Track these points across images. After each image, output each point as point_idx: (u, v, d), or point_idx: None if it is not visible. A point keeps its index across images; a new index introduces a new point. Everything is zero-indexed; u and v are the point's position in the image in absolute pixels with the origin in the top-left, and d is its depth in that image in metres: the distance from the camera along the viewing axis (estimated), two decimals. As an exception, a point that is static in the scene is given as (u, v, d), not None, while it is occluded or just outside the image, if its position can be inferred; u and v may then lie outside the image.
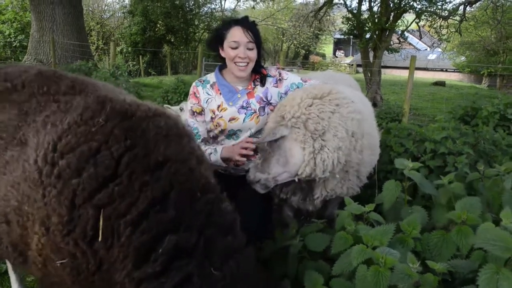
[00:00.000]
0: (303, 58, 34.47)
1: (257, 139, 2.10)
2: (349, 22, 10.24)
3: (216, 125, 2.34)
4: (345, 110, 2.05)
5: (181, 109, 3.72)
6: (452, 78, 26.20)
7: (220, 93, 2.35)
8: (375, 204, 1.91)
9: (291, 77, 2.42)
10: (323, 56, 39.40)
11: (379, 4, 9.67)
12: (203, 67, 10.65)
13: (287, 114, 2.02)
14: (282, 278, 2.11)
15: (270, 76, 2.39)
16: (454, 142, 3.06)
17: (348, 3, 10.30)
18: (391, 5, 9.41)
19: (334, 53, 40.72)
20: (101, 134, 1.28)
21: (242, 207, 2.26)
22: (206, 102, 2.35)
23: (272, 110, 2.30)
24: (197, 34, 21.07)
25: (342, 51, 40.41)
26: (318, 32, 30.28)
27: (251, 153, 2.14)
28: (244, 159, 2.17)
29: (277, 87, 2.38)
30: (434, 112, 9.02)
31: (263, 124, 2.29)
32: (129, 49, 19.55)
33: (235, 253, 1.29)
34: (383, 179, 3.06)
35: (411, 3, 9.31)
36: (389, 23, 9.38)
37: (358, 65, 23.47)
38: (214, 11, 22.37)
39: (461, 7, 10.28)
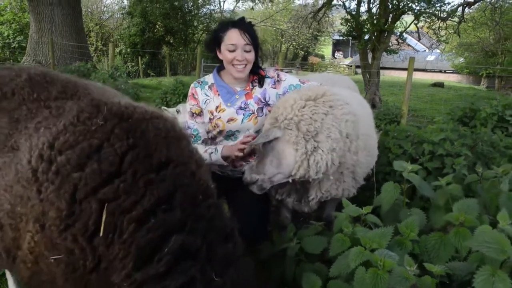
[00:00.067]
0: (302, 59, 34.53)
1: (252, 141, 2.10)
2: (348, 24, 10.25)
3: (215, 126, 2.34)
4: (339, 111, 2.05)
5: (178, 111, 3.70)
6: (450, 79, 26.23)
7: (219, 94, 2.35)
8: (372, 206, 1.91)
9: (289, 79, 2.42)
10: (322, 57, 39.43)
11: (377, 6, 9.69)
12: (202, 68, 10.66)
13: (280, 116, 2.04)
14: (280, 280, 2.11)
15: (268, 77, 2.40)
16: (452, 144, 3.06)
17: (346, 4, 10.32)
18: (390, 7, 9.42)
19: (333, 54, 40.77)
20: (101, 133, 1.28)
21: (240, 209, 2.28)
22: (205, 103, 2.36)
23: (270, 111, 2.31)
24: (196, 35, 21.07)
25: (341, 52, 40.47)
26: (317, 34, 30.29)
27: (249, 139, 2.14)
28: (242, 154, 2.17)
29: (275, 88, 2.38)
30: (432, 113, 9.03)
31: (261, 125, 2.29)
32: (128, 50, 19.53)
33: (236, 261, 1.27)
34: (381, 180, 3.06)
35: (410, 5, 9.32)
36: (387, 24, 9.40)
37: (357, 66, 23.49)
38: (213, 12, 22.37)
39: (460, 9, 10.30)
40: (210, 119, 2.35)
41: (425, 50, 28.08)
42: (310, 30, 23.04)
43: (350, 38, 10.91)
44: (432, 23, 10.45)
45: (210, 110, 2.34)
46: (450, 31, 11.02)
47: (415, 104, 10.82)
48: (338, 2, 10.70)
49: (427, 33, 12.30)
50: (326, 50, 41.45)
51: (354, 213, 1.89)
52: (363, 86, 9.92)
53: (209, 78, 2.42)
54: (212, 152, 2.26)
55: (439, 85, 19.20)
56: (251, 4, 21.17)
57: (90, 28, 23.37)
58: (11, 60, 16.24)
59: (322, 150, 1.98)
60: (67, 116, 1.36)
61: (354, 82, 3.81)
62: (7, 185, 1.34)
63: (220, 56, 2.30)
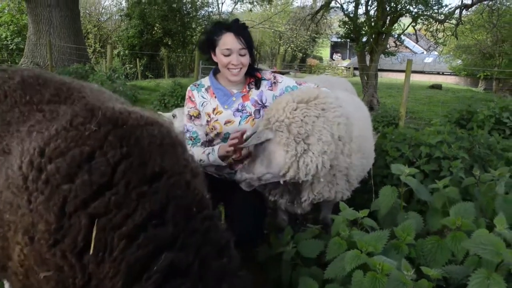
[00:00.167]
0: (300, 61, 34.58)
1: (245, 143, 2.10)
2: (346, 26, 10.27)
3: (212, 128, 2.34)
4: (331, 114, 2.06)
5: (174, 116, 3.68)
6: (448, 81, 26.31)
7: (215, 97, 2.35)
8: (369, 210, 1.91)
9: (286, 80, 2.42)
10: (320, 59, 39.52)
11: (375, 8, 9.71)
12: (200, 70, 10.66)
13: (272, 118, 2.05)
14: (277, 283, 2.11)
15: (264, 79, 2.40)
16: (449, 147, 3.06)
17: (344, 6, 10.35)
18: (388, 9, 9.45)
19: (331, 56, 40.86)
20: (94, 140, 1.22)
21: (237, 212, 2.28)
22: (202, 106, 2.36)
23: None
24: (194, 37, 21.06)
25: (339, 54, 40.55)
26: (315, 35, 30.36)
27: (238, 135, 2.13)
28: (232, 148, 2.16)
29: (272, 90, 2.39)
30: (430, 115, 9.05)
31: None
32: (126, 52, 19.51)
33: (230, 276, 1.21)
34: (379, 183, 3.06)
35: (408, 7, 9.35)
36: (385, 26, 9.42)
37: (355, 68, 23.54)
38: (211, 14, 22.38)
39: (457, 11, 10.34)
40: (207, 121, 2.35)
41: (423, 52, 28.12)
42: (308, 32, 23.07)
43: (348, 40, 10.93)
44: (429, 26, 10.48)
45: (207, 113, 2.34)
46: (448, 33, 11.05)
47: (413, 106, 10.84)
48: (336, 4, 10.73)
49: (425, 35, 12.32)
50: (324, 52, 41.54)
51: (351, 216, 1.89)
52: (361, 88, 9.93)
53: (206, 80, 2.42)
54: (209, 153, 2.27)
55: (437, 87, 19.25)
56: (249, 6, 21.19)
57: (88, 30, 23.36)
58: (9, 62, 16.22)
59: (313, 153, 1.99)
60: (61, 121, 1.31)
61: (352, 84, 3.82)
62: None
63: (215, 59, 2.30)
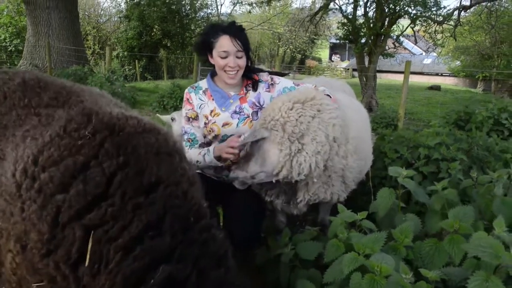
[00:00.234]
0: (299, 63, 34.65)
1: (240, 140, 2.10)
2: (345, 27, 10.30)
3: (210, 131, 2.34)
4: (327, 115, 2.07)
5: (173, 119, 3.67)
6: (447, 82, 26.35)
7: (213, 99, 2.35)
8: (367, 212, 1.91)
9: (283, 82, 2.43)
10: (319, 60, 39.60)
11: (374, 10, 9.74)
12: (199, 72, 10.67)
13: (267, 117, 2.06)
14: (275, 285, 2.10)
15: (262, 81, 2.40)
16: (448, 148, 3.06)
17: (343, 8, 10.38)
18: (386, 11, 9.48)
19: (330, 58, 40.91)
20: (88, 148, 1.19)
21: (235, 214, 2.28)
22: (199, 108, 2.36)
23: None
24: (193, 39, 21.04)
25: (338, 56, 40.61)
26: (314, 37, 30.44)
27: (237, 151, 2.14)
28: (231, 156, 2.16)
29: (269, 91, 2.39)
30: (429, 117, 9.07)
31: None
32: (125, 53, 19.53)
33: (228, 287, 1.19)
34: (378, 185, 3.06)
35: (406, 9, 9.38)
36: (384, 28, 9.45)
37: (354, 70, 23.58)
38: (210, 16, 22.39)
39: (456, 12, 10.37)
40: (205, 123, 2.35)
41: (422, 53, 28.18)
42: (307, 34, 23.14)
43: (347, 41, 10.95)
44: (428, 27, 10.50)
45: (205, 115, 2.34)
46: (447, 35, 11.08)
47: (412, 107, 10.87)
48: (334, 6, 10.76)
49: (423, 36, 12.34)
50: (323, 53, 41.62)
51: (350, 218, 1.89)
52: (359, 89, 9.95)
53: (203, 83, 2.42)
54: (205, 154, 2.27)
55: (435, 88, 19.30)
56: (248, 7, 21.22)
57: (88, 31, 23.37)
58: (8, 64, 16.21)
59: (307, 152, 2.00)
60: (55, 126, 1.28)
61: (351, 86, 3.82)
62: None
63: (212, 61, 2.30)
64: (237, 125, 2.32)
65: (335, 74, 30.40)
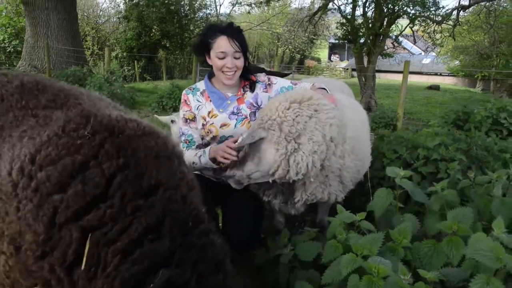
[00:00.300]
0: (298, 63, 34.67)
1: (238, 142, 2.10)
2: (344, 27, 10.30)
3: (208, 132, 2.34)
4: (324, 115, 2.07)
5: (173, 121, 3.65)
6: (446, 82, 26.38)
7: (210, 100, 2.35)
8: (366, 213, 1.91)
9: (281, 82, 2.43)
10: (318, 60, 39.61)
11: (373, 10, 9.74)
12: (198, 72, 10.67)
13: (265, 117, 2.07)
14: (274, 286, 2.10)
15: (259, 82, 2.40)
16: (446, 149, 3.06)
17: (342, 8, 10.38)
18: (385, 11, 9.48)
19: (329, 58, 40.92)
20: (87, 148, 1.17)
21: (234, 215, 2.28)
22: (197, 109, 2.36)
23: None
24: (192, 39, 21.08)
25: (337, 56, 40.63)
26: (313, 37, 30.45)
27: (234, 158, 2.13)
28: (228, 161, 2.16)
29: (267, 92, 2.39)
30: (428, 116, 9.07)
31: None
32: (124, 54, 19.51)
33: None
34: (376, 185, 3.06)
35: (405, 9, 9.38)
36: (383, 28, 9.45)
37: (353, 69, 23.52)
38: (209, 16, 22.38)
39: (455, 12, 10.37)
40: (203, 125, 2.35)
41: (420, 53, 28.19)
42: (306, 34, 23.14)
43: (346, 41, 10.95)
44: (427, 27, 10.51)
45: (203, 116, 2.34)
46: (445, 35, 11.08)
47: (411, 107, 10.88)
48: (333, 6, 10.76)
49: (422, 36, 12.35)
50: (323, 53, 41.64)
51: (348, 219, 1.89)
52: (359, 89, 9.96)
53: (201, 84, 2.42)
54: (201, 155, 2.26)
55: (434, 87, 19.32)
56: (247, 8, 21.22)
57: (86, 32, 23.36)
58: (7, 65, 16.20)
59: (303, 152, 2.00)
60: (53, 126, 1.26)
61: (350, 86, 3.83)
62: None
63: (210, 62, 2.30)
64: (235, 126, 2.32)
65: (334, 74, 30.42)
